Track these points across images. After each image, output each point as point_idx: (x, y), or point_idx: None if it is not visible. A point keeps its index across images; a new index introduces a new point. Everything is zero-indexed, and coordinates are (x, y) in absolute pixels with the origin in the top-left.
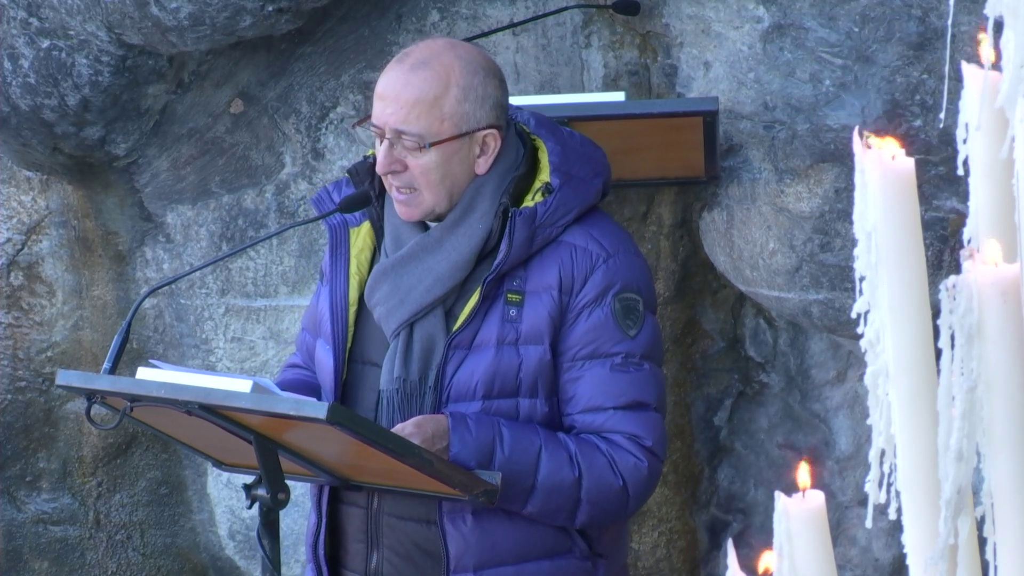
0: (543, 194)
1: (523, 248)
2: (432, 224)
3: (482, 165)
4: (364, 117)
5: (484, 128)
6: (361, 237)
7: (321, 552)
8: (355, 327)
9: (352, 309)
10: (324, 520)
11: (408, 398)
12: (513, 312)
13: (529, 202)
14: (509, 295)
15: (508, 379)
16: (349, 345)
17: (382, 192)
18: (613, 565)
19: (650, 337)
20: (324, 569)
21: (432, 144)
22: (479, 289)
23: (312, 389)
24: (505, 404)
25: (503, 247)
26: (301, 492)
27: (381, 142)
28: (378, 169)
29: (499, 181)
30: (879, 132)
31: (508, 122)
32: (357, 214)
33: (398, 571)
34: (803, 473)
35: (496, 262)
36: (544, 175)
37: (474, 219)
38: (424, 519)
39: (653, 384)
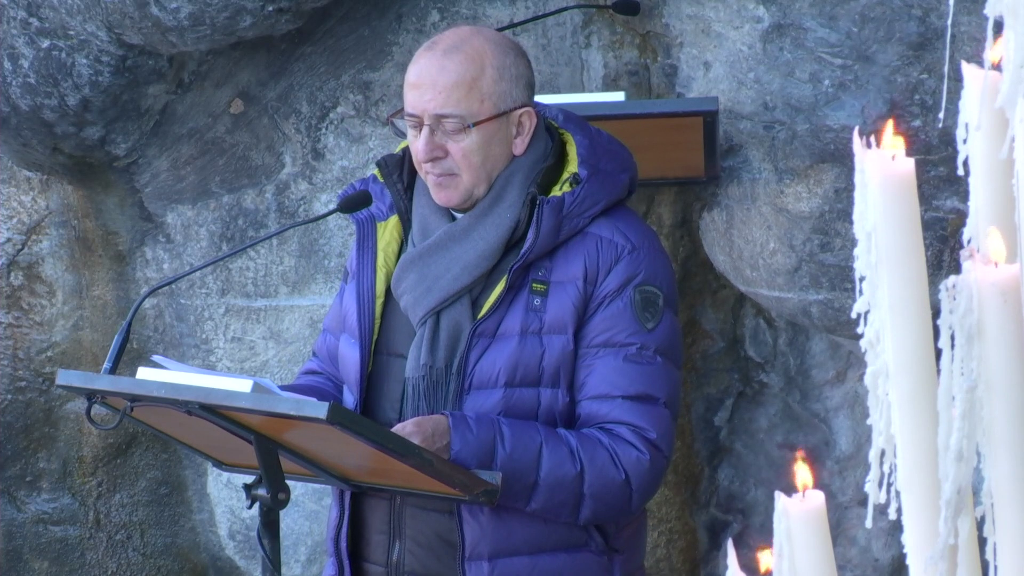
0: (571, 184)
1: (550, 237)
2: (459, 215)
3: (519, 145)
4: (397, 110)
5: (520, 107)
6: (388, 230)
7: (343, 545)
8: (381, 319)
9: (379, 301)
10: (347, 513)
11: (434, 385)
12: (537, 301)
13: (557, 192)
14: (534, 284)
15: (531, 368)
16: (375, 337)
17: (410, 185)
18: (630, 562)
19: (667, 333)
20: (346, 563)
21: (475, 124)
22: (505, 278)
23: (324, 397)
24: (527, 393)
25: (530, 236)
26: (301, 492)
27: (419, 131)
28: (419, 157)
29: (528, 171)
30: (882, 129)
31: (538, 111)
32: (385, 208)
33: (419, 561)
34: (802, 470)
35: (523, 250)
36: (572, 166)
37: (502, 208)
38: (446, 509)
39: (665, 380)
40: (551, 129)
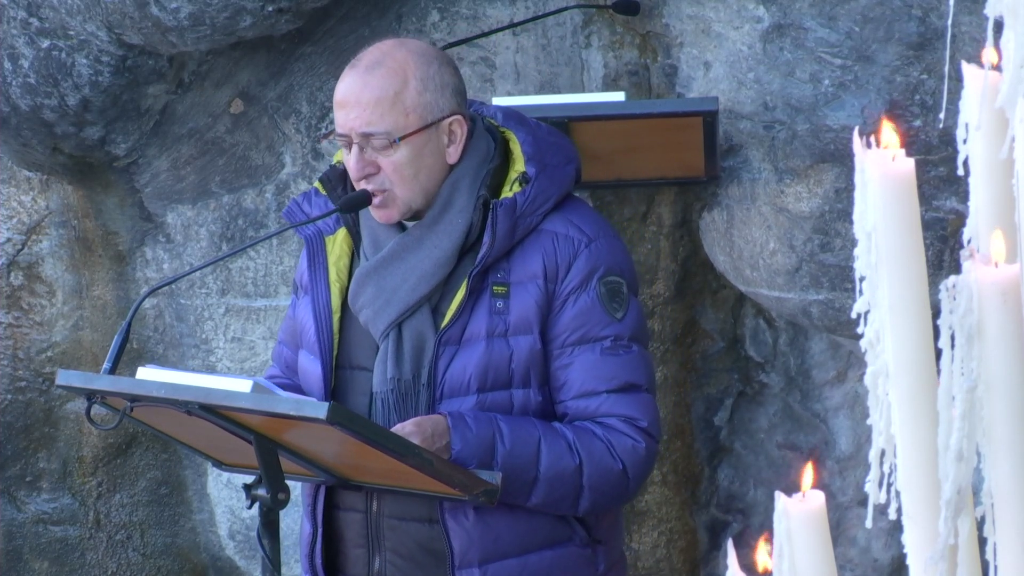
0: (520, 184)
1: (506, 239)
2: (409, 224)
3: (452, 154)
4: (328, 131)
5: (448, 116)
6: (338, 244)
7: (318, 561)
8: (339, 334)
9: (336, 316)
10: (320, 528)
11: (403, 397)
12: (500, 304)
13: (508, 193)
14: (495, 287)
15: (501, 371)
16: (335, 353)
17: None
18: (612, 551)
19: (636, 319)
20: None
21: (402, 138)
22: (465, 283)
23: (299, 392)
24: (499, 396)
25: (486, 239)
26: (301, 492)
27: (349, 150)
28: (352, 176)
29: (474, 175)
30: (879, 129)
31: (473, 115)
32: (331, 222)
33: (402, 573)
34: (807, 475)
35: (480, 255)
36: (519, 165)
37: (453, 214)
38: (426, 519)
39: (643, 366)
40: (492, 129)
